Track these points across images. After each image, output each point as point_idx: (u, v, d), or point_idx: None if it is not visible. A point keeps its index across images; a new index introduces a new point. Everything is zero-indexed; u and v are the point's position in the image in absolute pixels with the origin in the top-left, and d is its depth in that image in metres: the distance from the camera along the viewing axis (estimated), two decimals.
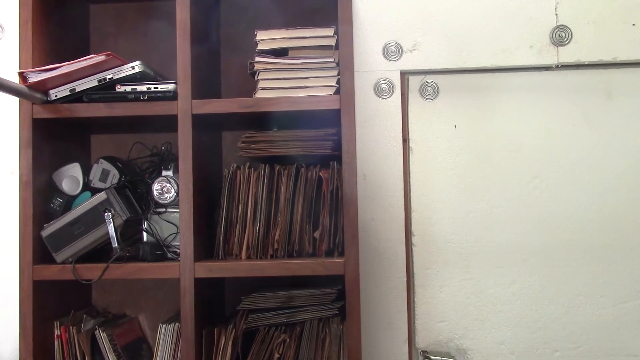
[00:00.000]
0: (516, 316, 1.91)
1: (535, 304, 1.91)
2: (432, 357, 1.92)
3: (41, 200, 1.71)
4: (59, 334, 1.73)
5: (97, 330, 1.74)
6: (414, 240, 1.94)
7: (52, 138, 1.76)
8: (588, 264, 1.90)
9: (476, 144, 1.95)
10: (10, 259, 1.88)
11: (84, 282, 1.65)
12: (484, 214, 1.93)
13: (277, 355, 1.70)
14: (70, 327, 1.73)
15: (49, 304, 1.72)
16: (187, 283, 1.63)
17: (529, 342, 1.90)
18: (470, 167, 1.95)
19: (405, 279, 1.91)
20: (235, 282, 1.91)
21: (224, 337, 1.67)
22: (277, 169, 1.74)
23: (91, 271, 1.65)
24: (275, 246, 1.71)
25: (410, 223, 1.94)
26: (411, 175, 1.95)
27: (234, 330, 1.68)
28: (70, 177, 1.75)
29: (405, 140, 1.96)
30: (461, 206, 1.94)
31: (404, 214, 1.93)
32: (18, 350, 1.70)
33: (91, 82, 1.66)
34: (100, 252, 1.71)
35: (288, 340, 1.70)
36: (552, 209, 1.92)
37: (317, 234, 1.72)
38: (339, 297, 1.71)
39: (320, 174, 1.74)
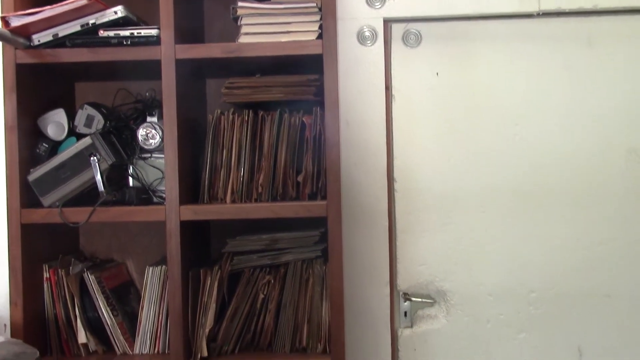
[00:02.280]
0: (494, 259, 1.97)
1: (513, 247, 1.96)
2: (412, 298, 1.98)
3: (27, 146, 1.73)
4: (47, 276, 1.77)
5: (86, 273, 1.78)
6: (396, 186, 1.98)
7: (36, 84, 1.76)
8: (565, 208, 1.95)
9: (458, 92, 1.97)
10: None
11: (71, 225, 1.68)
12: (465, 161, 1.97)
13: (262, 296, 1.75)
14: (59, 270, 1.77)
15: (37, 248, 1.75)
16: (172, 226, 1.67)
17: (507, 284, 1.96)
18: (452, 114, 1.98)
19: (387, 224, 1.96)
20: (220, 226, 1.95)
21: (209, 278, 1.72)
22: (260, 114, 1.76)
23: (78, 214, 1.68)
24: (260, 190, 1.74)
25: (393, 169, 1.98)
26: (393, 123, 1.98)
27: (219, 271, 1.73)
28: (55, 123, 1.76)
29: (388, 87, 1.98)
30: (443, 153, 1.98)
31: (386, 160, 1.96)
32: (8, 293, 1.74)
33: (74, 27, 1.66)
34: (87, 197, 1.74)
35: (272, 281, 1.75)
36: (532, 155, 1.96)
37: (300, 178, 1.75)
38: (322, 239, 1.76)
39: (303, 119, 1.76)
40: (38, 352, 1.53)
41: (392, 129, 1.98)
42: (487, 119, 1.97)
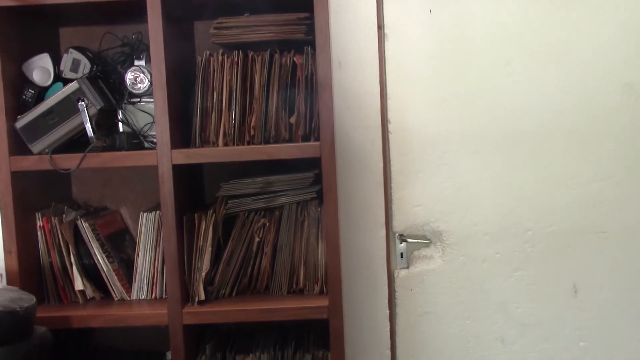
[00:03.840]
0: (490, 199, 1.96)
1: (509, 186, 1.95)
2: (408, 240, 1.98)
3: (12, 92, 1.69)
4: (41, 224, 1.76)
5: (79, 221, 1.77)
6: (390, 127, 1.95)
7: (19, 28, 1.72)
8: (561, 146, 1.94)
9: (452, 30, 1.93)
10: None
11: (62, 171, 1.66)
12: (459, 100, 1.94)
13: (257, 239, 1.74)
14: (52, 218, 1.76)
15: (29, 196, 1.74)
16: (165, 170, 1.65)
17: (503, 223, 1.96)
18: (445, 53, 1.94)
19: (382, 165, 1.94)
20: (213, 171, 1.93)
21: (204, 222, 1.71)
22: (250, 55, 1.72)
23: (69, 161, 1.66)
24: (252, 133, 1.72)
25: (387, 110, 1.95)
26: (386, 62, 1.94)
27: (214, 215, 1.71)
28: (40, 68, 1.72)
29: (380, 27, 1.93)
30: (437, 93, 1.95)
31: (379, 101, 1.94)
32: (1, 242, 1.73)
33: None
34: (76, 144, 1.71)
35: (268, 224, 1.74)
36: (527, 93, 1.93)
37: (292, 120, 1.72)
38: (316, 181, 1.74)
39: (295, 59, 1.72)
40: (35, 298, 1.53)
41: (385, 69, 1.94)
42: (481, 58, 1.94)
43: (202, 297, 1.69)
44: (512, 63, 1.93)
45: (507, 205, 1.96)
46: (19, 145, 1.68)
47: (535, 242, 1.96)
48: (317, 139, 1.68)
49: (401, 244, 1.98)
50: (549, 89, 1.93)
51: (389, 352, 1.98)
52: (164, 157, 1.64)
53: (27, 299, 1.50)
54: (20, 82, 1.72)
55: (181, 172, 1.70)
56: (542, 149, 1.94)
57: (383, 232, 1.96)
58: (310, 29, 1.68)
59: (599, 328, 1.97)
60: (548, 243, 1.96)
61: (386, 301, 1.97)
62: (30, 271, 1.74)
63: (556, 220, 1.95)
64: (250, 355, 1.74)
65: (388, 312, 1.97)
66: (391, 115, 1.95)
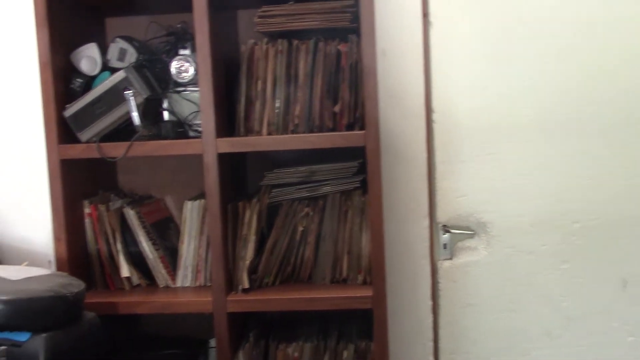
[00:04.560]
0: (536, 189, 1.92)
1: (556, 176, 1.91)
2: (452, 230, 1.95)
3: (61, 81, 1.72)
4: (88, 212, 1.79)
5: (126, 208, 1.79)
6: (435, 116, 1.93)
7: (67, 19, 1.75)
8: (609, 134, 1.88)
9: (498, 16, 1.89)
10: (37, 141, 1.90)
11: (109, 159, 1.68)
12: (506, 88, 1.90)
13: (300, 228, 1.74)
14: (99, 206, 1.78)
15: (77, 184, 1.77)
16: (210, 158, 1.66)
17: (549, 214, 1.92)
18: (492, 40, 1.90)
19: (426, 155, 1.92)
20: (256, 160, 1.93)
21: (248, 211, 1.71)
22: (295, 43, 1.72)
23: (115, 149, 1.68)
24: (296, 122, 1.71)
25: (431, 99, 1.92)
26: (431, 50, 1.91)
27: (258, 204, 1.72)
28: (88, 57, 1.74)
29: (426, 14, 1.90)
30: (483, 81, 1.91)
31: (424, 90, 1.91)
32: (51, 230, 1.76)
33: None
34: (123, 133, 1.73)
35: (311, 213, 1.74)
36: (576, 82, 1.88)
37: (337, 108, 1.71)
38: (360, 170, 1.73)
39: (339, 47, 1.71)
40: (84, 284, 1.55)
41: (430, 58, 1.92)
42: (530, 44, 1.89)
43: (246, 285, 1.70)
44: (562, 49, 1.88)
45: (554, 196, 1.91)
46: (67, 133, 1.71)
47: (583, 234, 1.91)
48: (362, 127, 1.67)
49: (445, 234, 1.96)
50: (599, 76, 1.87)
51: (431, 343, 1.97)
52: (209, 145, 1.65)
53: (77, 285, 1.53)
54: (68, 72, 1.75)
55: (225, 161, 1.71)
56: (590, 139, 1.89)
57: (426, 222, 1.94)
58: (355, 17, 1.66)
59: None
60: (596, 235, 1.91)
61: (429, 292, 1.95)
62: (78, 258, 1.77)
63: (604, 211, 1.90)
64: (293, 344, 1.75)
65: (431, 303, 1.96)
66: (435, 104, 1.92)
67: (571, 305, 1.94)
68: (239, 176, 1.93)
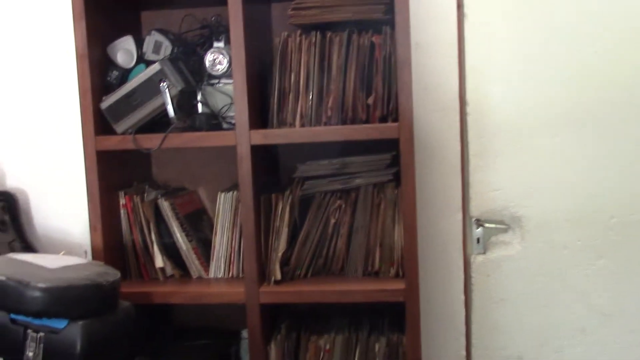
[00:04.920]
0: (572, 183, 1.89)
1: (592, 170, 1.88)
2: (485, 224, 1.93)
3: (98, 74, 1.75)
4: (123, 203, 1.81)
5: (160, 200, 1.81)
6: (468, 109, 1.91)
7: (104, 12, 1.77)
8: None
9: (533, 7, 1.86)
10: (73, 132, 1.93)
11: (144, 150, 1.70)
12: (541, 81, 1.87)
13: (333, 220, 1.74)
14: (134, 197, 1.81)
15: (112, 175, 1.79)
16: (243, 150, 1.66)
17: (585, 209, 1.89)
18: (527, 32, 1.87)
19: (460, 148, 1.90)
20: (289, 152, 1.94)
21: (281, 203, 1.72)
22: (328, 35, 1.72)
23: (151, 140, 1.70)
24: (329, 114, 1.71)
25: (465, 91, 1.90)
26: (466, 43, 1.90)
27: (290, 196, 1.72)
28: (124, 50, 1.76)
29: (460, 6, 1.89)
30: (517, 74, 1.89)
31: (458, 83, 1.89)
32: (87, 220, 1.78)
33: None
34: (158, 125, 1.75)
35: (344, 205, 1.74)
36: (613, 73, 1.85)
37: (370, 101, 1.71)
38: (393, 163, 1.72)
39: (373, 39, 1.70)
40: (119, 273, 1.58)
41: (464, 50, 1.90)
42: (565, 36, 1.86)
43: (279, 277, 1.71)
44: (598, 40, 1.84)
45: (590, 190, 1.88)
46: (103, 125, 1.74)
47: (620, 230, 1.88)
48: (395, 120, 1.66)
49: (478, 228, 1.94)
50: (634, 70, 1.84)
51: (463, 338, 1.95)
52: (243, 137, 1.66)
53: (113, 274, 1.55)
54: (105, 65, 1.77)
55: (259, 153, 1.72)
56: (627, 132, 1.85)
57: (459, 216, 1.92)
58: (389, 9, 1.65)
59: None
60: (633, 231, 1.87)
61: (462, 287, 1.94)
62: (113, 248, 1.80)
63: None
64: (325, 336, 1.75)
65: (463, 297, 1.94)
66: (469, 97, 1.91)
67: (606, 302, 1.91)
68: (272, 168, 1.93)
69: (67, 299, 1.44)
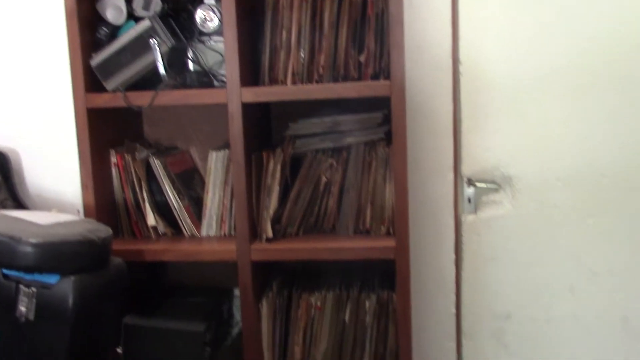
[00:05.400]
0: (564, 143, 1.89)
1: (584, 130, 1.87)
2: (477, 184, 1.94)
3: (87, 30, 1.73)
4: (115, 161, 1.81)
5: (151, 158, 1.81)
6: (461, 68, 1.89)
7: None
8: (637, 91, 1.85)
9: None
10: (63, 90, 1.92)
11: (135, 108, 1.69)
12: (535, 41, 1.86)
13: (324, 179, 1.74)
14: (126, 155, 1.80)
15: (103, 133, 1.79)
16: (234, 107, 1.66)
17: (577, 169, 1.89)
18: None
19: (452, 107, 1.90)
20: (280, 110, 1.93)
21: (272, 161, 1.72)
22: None
23: (141, 98, 1.69)
24: (321, 71, 1.70)
25: (458, 51, 1.89)
26: (459, 1, 1.87)
27: (282, 154, 1.72)
28: (113, 6, 1.74)
29: None
30: (511, 33, 1.87)
31: (451, 41, 1.88)
32: (79, 179, 1.78)
33: None
34: (149, 83, 1.73)
35: (335, 164, 1.74)
36: (608, 32, 1.83)
37: (362, 58, 1.70)
38: (385, 121, 1.72)
39: None
40: (111, 230, 1.58)
41: (457, 7, 1.87)
42: None
43: (270, 234, 1.72)
44: (595, 1, 1.82)
45: (582, 150, 1.88)
46: (94, 83, 1.72)
47: (610, 189, 1.89)
48: (387, 77, 1.66)
49: (469, 188, 1.95)
50: (630, 28, 1.82)
51: (453, 296, 1.98)
52: (234, 94, 1.65)
53: (104, 230, 1.56)
54: (94, 21, 1.75)
55: (250, 111, 1.71)
56: (621, 91, 1.85)
57: (451, 176, 1.93)
58: None
59: None
60: (623, 190, 1.88)
61: (452, 245, 1.96)
62: (105, 206, 1.80)
63: (634, 166, 1.87)
64: (316, 293, 1.77)
65: (454, 256, 1.96)
66: (462, 55, 1.89)
67: (596, 261, 1.93)
68: (263, 127, 1.93)
69: (59, 254, 1.45)
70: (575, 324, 1.96)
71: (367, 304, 1.74)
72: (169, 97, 1.68)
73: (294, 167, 1.77)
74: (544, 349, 1.99)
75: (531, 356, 2.00)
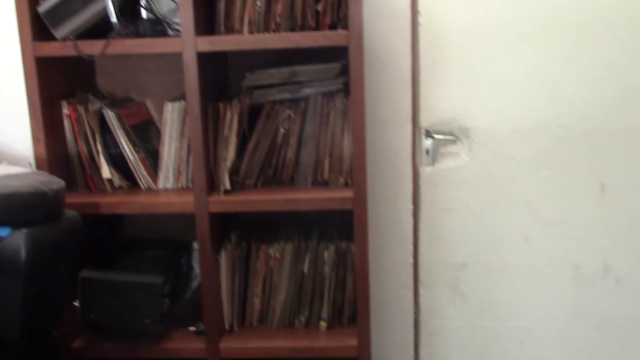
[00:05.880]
0: (521, 94, 1.90)
1: (542, 81, 1.89)
2: (435, 136, 1.95)
3: None
4: (67, 113, 1.76)
5: (105, 110, 1.77)
6: (420, 19, 1.88)
7: None
8: (598, 37, 1.85)
9: None
10: (10, 38, 1.84)
11: (86, 57, 1.64)
12: None
13: (282, 130, 1.73)
14: (78, 107, 1.76)
15: (54, 84, 1.73)
16: (189, 57, 1.62)
17: (533, 120, 1.91)
18: None
19: (411, 58, 1.89)
20: (238, 61, 1.90)
21: (229, 112, 1.69)
22: None
23: (92, 47, 1.64)
24: (278, 20, 1.67)
25: (417, 1, 1.87)
26: None
27: (239, 105, 1.70)
28: None
29: None
30: None
31: None
32: (30, 131, 1.73)
33: None
34: (100, 32, 1.68)
35: (293, 115, 1.72)
36: None
37: (320, 7, 1.66)
38: (343, 72, 1.71)
39: None
40: (64, 182, 1.55)
41: None
42: None
43: (228, 186, 1.70)
44: None
45: (539, 101, 1.90)
46: (42, 31, 1.66)
47: (566, 140, 1.92)
48: (345, 27, 1.63)
49: (427, 140, 1.96)
50: None
51: (411, 246, 2.00)
52: (189, 43, 1.61)
53: (57, 182, 1.53)
54: None
55: (206, 60, 1.67)
56: (579, 42, 1.86)
57: (409, 127, 1.93)
58: None
59: (624, 227, 1.96)
60: (579, 141, 1.92)
61: (410, 197, 1.97)
62: (58, 159, 1.76)
63: (590, 117, 1.90)
64: (275, 245, 1.77)
65: (412, 207, 1.98)
66: (421, 6, 1.87)
67: (550, 211, 1.97)
68: (220, 78, 1.89)
69: (10, 206, 1.41)
70: (529, 272, 2.02)
71: (325, 254, 1.76)
72: (121, 46, 1.63)
73: (251, 118, 1.75)
74: (499, 297, 2.05)
75: (486, 304, 2.05)
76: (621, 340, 2.04)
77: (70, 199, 1.68)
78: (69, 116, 1.76)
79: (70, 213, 1.56)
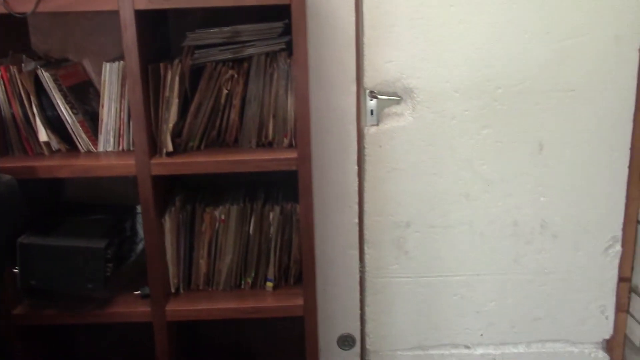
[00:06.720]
0: (462, 56, 1.93)
1: (482, 43, 1.92)
2: (379, 96, 1.96)
3: None
4: None
5: (40, 71, 1.70)
6: None
7: None
8: (536, 2, 1.89)
9: None
10: None
11: (17, 15, 1.57)
12: None
13: (225, 91, 1.71)
14: (11, 67, 1.69)
15: None
16: (127, 15, 1.57)
17: (473, 80, 1.94)
18: None
19: (354, 19, 1.88)
20: (178, 20, 1.85)
21: (170, 72, 1.66)
22: None
23: (24, 4, 1.56)
24: None
25: None
26: None
27: (180, 65, 1.66)
28: None
29: None
30: None
31: None
32: None
33: None
34: None
35: (236, 75, 1.70)
36: None
37: None
38: (286, 31, 1.69)
39: None
40: None
41: None
42: None
43: (170, 148, 1.68)
44: None
45: (480, 61, 1.93)
46: None
47: (505, 100, 1.96)
48: None
49: (371, 100, 1.97)
50: None
51: (356, 206, 2.03)
52: (126, 1, 1.56)
53: None
54: None
55: (145, 19, 1.63)
56: (517, 4, 1.89)
57: (354, 88, 1.93)
58: None
59: (560, 184, 2.03)
60: (517, 101, 1.96)
61: (355, 157, 1.99)
62: None
63: (527, 77, 1.94)
64: (220, 207, 1.77)
65: (357, 167, 1.99)
66: None
67: (489, 169, 2.02)
68: (161, 37, 1.85)
69: None
70: (470, 229, 2.08)
71: (271, 215, 1.77)
72: (54, 4, 1.56)
73: (193, 79, 1.72)
74: (442, 254, 2.10)
75: (430, 261, 2.11)
76: (556, 292, 2.13)
77: (5, 162, 1.63)
78: (1, 77, 1.69)
79: (5, 177, 1.51)
